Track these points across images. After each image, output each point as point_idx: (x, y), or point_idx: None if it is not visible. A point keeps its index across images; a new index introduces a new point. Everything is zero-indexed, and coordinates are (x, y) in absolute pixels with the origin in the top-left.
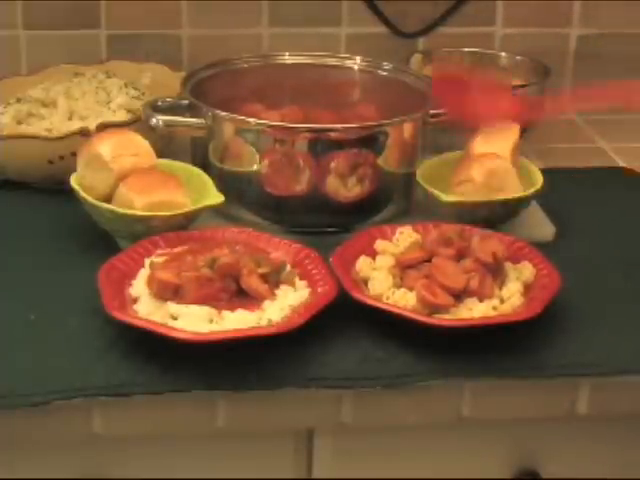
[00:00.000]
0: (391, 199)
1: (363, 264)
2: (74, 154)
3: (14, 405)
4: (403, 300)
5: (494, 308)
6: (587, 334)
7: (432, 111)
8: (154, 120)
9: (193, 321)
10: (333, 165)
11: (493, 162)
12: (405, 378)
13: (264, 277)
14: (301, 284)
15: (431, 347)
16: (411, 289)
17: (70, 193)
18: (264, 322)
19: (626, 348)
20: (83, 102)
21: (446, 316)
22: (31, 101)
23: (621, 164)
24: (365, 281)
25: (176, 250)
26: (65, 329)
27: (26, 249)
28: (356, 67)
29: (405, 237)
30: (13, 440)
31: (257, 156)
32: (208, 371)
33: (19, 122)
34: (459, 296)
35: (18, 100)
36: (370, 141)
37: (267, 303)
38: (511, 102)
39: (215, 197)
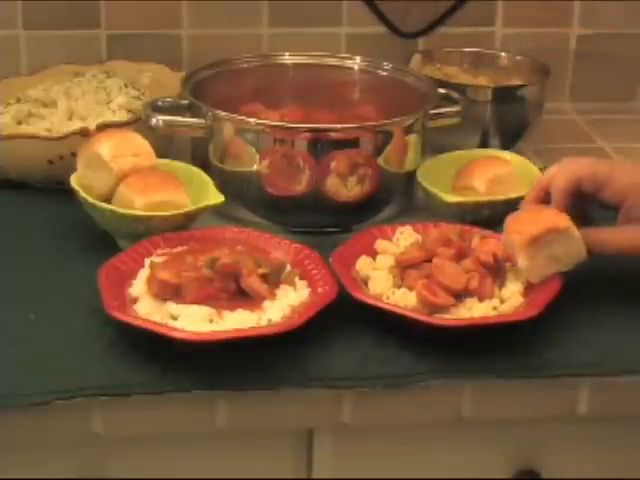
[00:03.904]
0: (391, 199)
1: (363, 264)
2: (74, 154)
3: (14, 405)
4: (403, 300)
5: (494, 308)
6: (587, 334)
7: (432, 111)
8: (154, 120)
9: (193, 321)
10: (333, 165)
11: (496, 169)
12: (405, 378)
13: (264, 277)
14: (301, 284)
15: (431, 347)
16: (411, 289)
17: (70, 193)
18: (264, 322)
19: (626, 348)
20: (83, 102)
21: (446, 316)
22: (31, 101)
23: None
24: (365, 281)
25: (176, 250)
26: (65, 329)
27: (26, 249)
28: (356, 67)
29: (405, 237)
30: (13, 440)
31: (257, 156)
32: (208, 371)
33: (19, 122)
34: (459, 296)
35: (18, 100)
36: (370, 141)
37: (267, 303)
38: None
39: (215, 197)
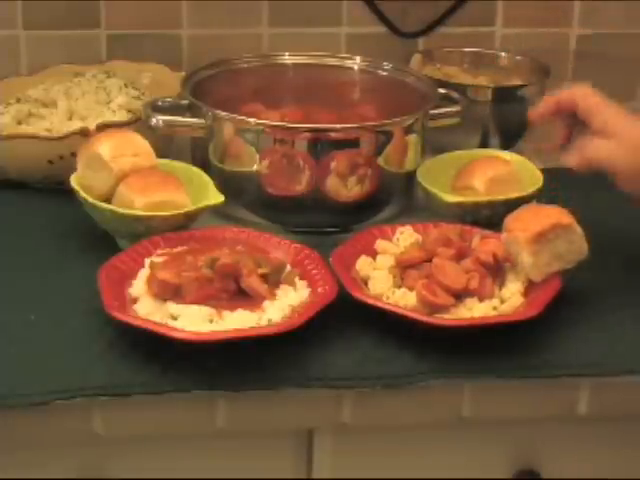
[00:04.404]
0: (391, 199)
1: (363, 264)
2: (74, 154)
3: (14, 405)
4: (403, 300)
5: (494, 308)
6: (587, 334)
7: (432, 111)
8: (154, 120)
9: (193, 321)
10: (333, 165)
11: (496, 169)
12: (405, 378)
13: (264, 277)
14: (301, 284)
15: (431, 347)
16: (411, 289)
17: (70, 193)
18: (264, 322)
19: (626, 348)
20: (83, 102)
21: (446, 316)
22: (31, 101)
23: None
24: (365, 281)
25: (176, 250)
26: (65, 329)
27: (26, 249)
28: (356, 67)
29: (405, 237)
30: (13, 440)
31: (257, 156)
32: (208, 371)
33: (19, 122)
34: (459, 296)
35: (18, 100)
36: (370, 141)
37: (267, 303)
38: None
39: (215, 197)
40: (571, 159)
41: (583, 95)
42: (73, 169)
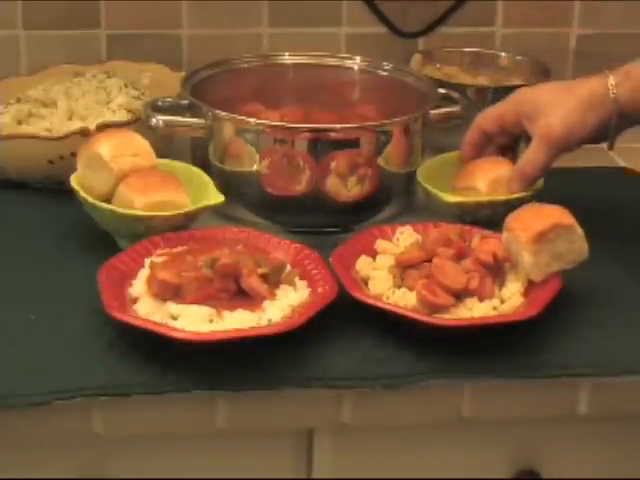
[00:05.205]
0: (391, 199)
1: (363, 264)
2: (74, 154)
3: (14, 405)
4: (403, 300)
5: (494, 308)
6: (587, 334)
7: (432, 111)
8: (154, 120)
9: (193, 321)
10: (333, 165)
11: (498, 170)
12: (405, 378)
13: (264, 277)
14: (301, 284)
15: (431, 347)
16: (411, 289)
17: (70, 193)
18: (264, 322)
19: (626, 348)
20: (83, 102)
21: (446, 316)
22: (31, 101)
23: (621, 164)
24: (365, 281)
25: (176, 250)
26: (65, 329)
27: (26, 249)
28: (356, 67)
29: (405, 237)
30: (13, 440)
31: (257, 156)
32: (208, 371)
33: (19, 122)
34: (459, 296)
35: (18, 100)
36: (370, 141)
37: (267, 303)
38: None
39: (215, 197)
40: (516, 187)
41: (489, 113)
42: (73, 169)
